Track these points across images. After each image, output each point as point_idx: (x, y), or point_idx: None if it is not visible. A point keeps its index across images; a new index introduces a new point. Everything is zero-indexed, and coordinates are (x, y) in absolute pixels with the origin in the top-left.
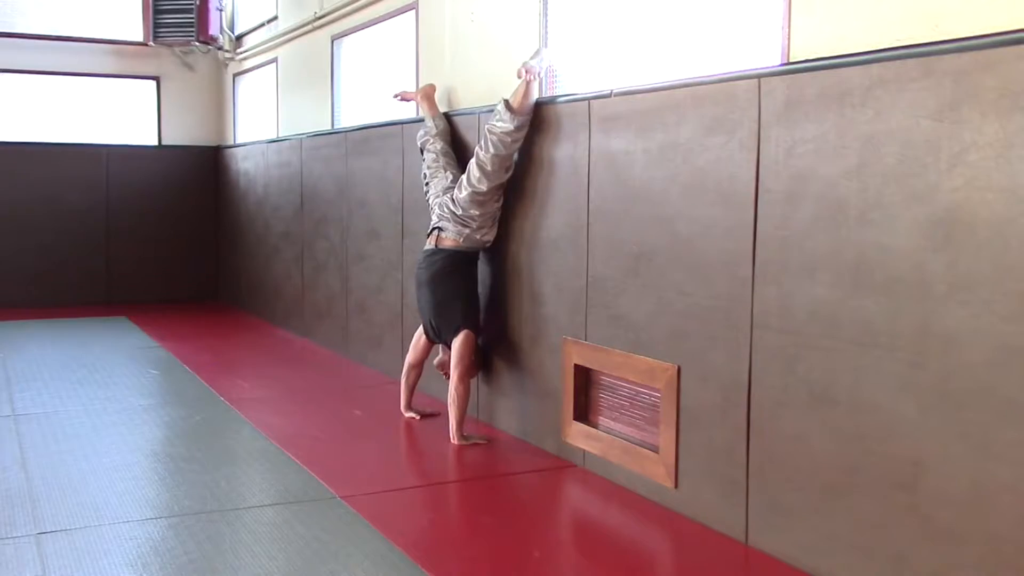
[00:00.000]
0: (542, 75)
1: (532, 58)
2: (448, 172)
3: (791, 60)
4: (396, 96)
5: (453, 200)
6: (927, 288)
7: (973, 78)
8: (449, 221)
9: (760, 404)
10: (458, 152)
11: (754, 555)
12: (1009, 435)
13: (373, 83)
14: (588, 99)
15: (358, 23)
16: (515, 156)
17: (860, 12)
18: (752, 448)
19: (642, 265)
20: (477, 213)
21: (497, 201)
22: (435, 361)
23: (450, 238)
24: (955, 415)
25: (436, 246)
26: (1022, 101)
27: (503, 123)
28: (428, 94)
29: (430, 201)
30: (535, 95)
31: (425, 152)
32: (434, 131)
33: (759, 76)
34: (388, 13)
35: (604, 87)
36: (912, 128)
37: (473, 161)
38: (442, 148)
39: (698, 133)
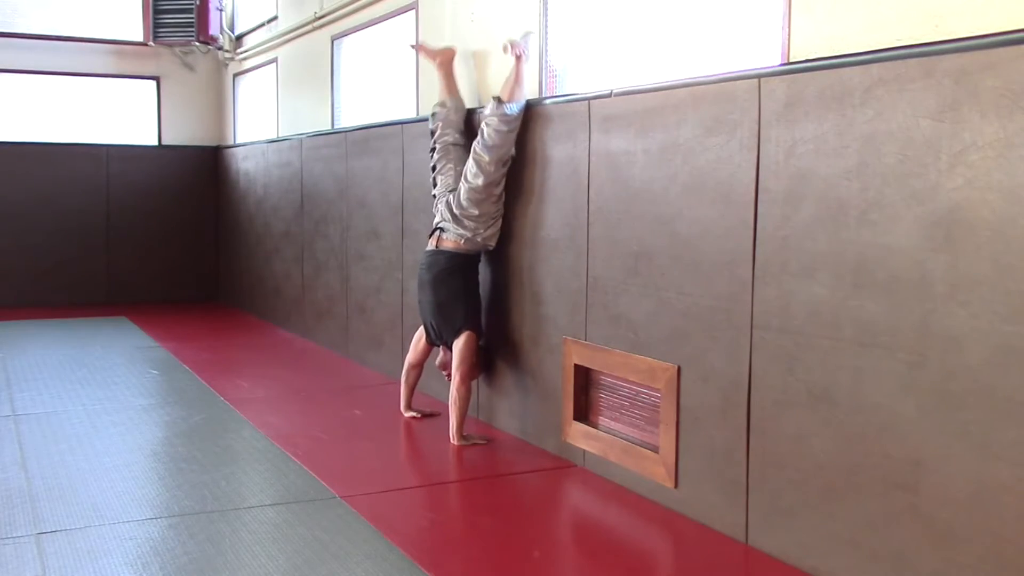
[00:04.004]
0: (529, 56)
1: (520, 38)
2: (456, 168)
3: (791, 60)
4: (413, 46)
5: (454, 199)
6: (927, 288)
7: (973, 78)
8: (450, 221)
9: (760, 404)
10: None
11: (754, 555)
12: (1009, 435)
13: (373, 83)
14: (588, 99)
15: (358, 23)
16: (512, 151)
17: (860, 12)
18: (752, 448)
19: (642, 265)
20: (476, 212)
21: (497, 202)
22: (436, 361)
23: (451, 239)
24: (955, 415)
25: (437, 247)
26: (1022, 101)
27: (496, 116)
28: (447, 61)
29: (436, 196)
30: (526, 83)
31: (436, 142)
32: (446, 116)
33: (759, 76)
34: (388, 13)
35: (604, 87)
36: (912, 128)
37: (471, 157)
38: (453, 140)
39: (698, 133)
